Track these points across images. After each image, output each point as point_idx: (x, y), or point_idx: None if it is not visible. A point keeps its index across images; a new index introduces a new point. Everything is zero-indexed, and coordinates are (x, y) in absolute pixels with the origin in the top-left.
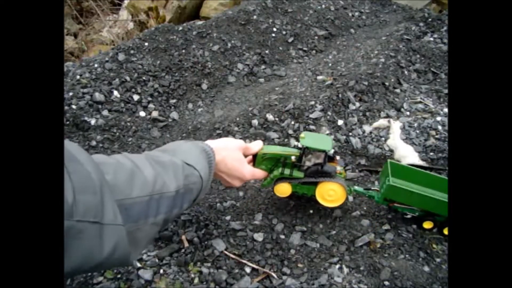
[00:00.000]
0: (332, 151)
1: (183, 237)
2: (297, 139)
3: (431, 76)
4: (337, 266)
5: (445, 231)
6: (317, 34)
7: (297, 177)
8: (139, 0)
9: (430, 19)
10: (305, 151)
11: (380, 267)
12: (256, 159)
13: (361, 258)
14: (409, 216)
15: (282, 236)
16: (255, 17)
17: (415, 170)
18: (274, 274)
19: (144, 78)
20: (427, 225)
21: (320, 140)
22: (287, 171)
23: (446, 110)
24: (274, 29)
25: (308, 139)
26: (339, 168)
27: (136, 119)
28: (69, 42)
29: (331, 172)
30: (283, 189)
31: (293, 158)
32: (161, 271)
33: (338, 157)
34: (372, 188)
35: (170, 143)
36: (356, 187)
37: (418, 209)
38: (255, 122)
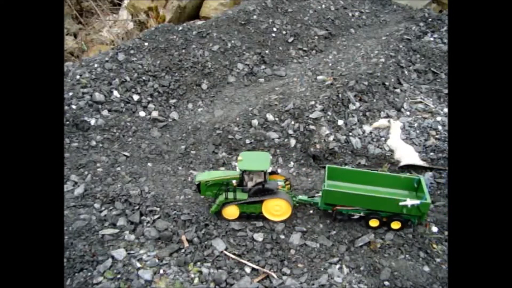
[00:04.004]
0: (270, 169)
1: (183, 237)
2: (297, 139)
3: (431, 76)
4: (337, 266)
5: (393, 226)
6: (317, 34)
7: (241, 199)
8: (139, 0)
9: (430, 19)
10: (245, 173)
11: (380, 267)
12: (200, 188)
13: (361, 258)
14: (356, 217)
15: (282, 236)
16: (255, 17)
17: (354, 170)
18: (274, 274)
19: (144, 78)
20: (373, 223)
21: (258, 159)
22: (231, 195)
23: (446, 110)
24: (274, 29)
25: (246, 161)
26: (280, 183)
27: (136, 119)
28: (69, 42)
29: (273, 188)
30: (231, 212)
31: (234, 182)
32: (161, 271)
33: (279, 170)
34: (316, 195)
35: None
36: (300, 197)
37: (362, 209)
38: (255, 122)
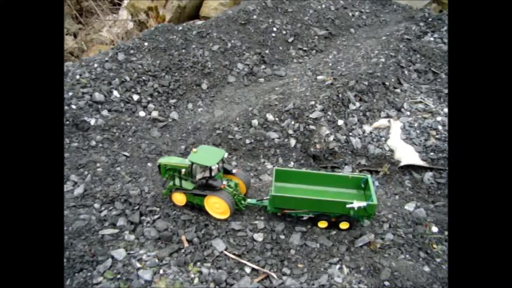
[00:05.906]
0: (215, 167)
1: (183, 237)
2: (297, 139)
3: (432, 76)
4: (337, 266)
5: (342, 226)
6: (317, 34)
7: (186, 188)
8: (139, 0)
9: (430, 19)
10: (193, 165)
11: (380, 267)
12: (160, 169)
13: (361, 258)
14: (305, 218)
15: (282, 236)
16: (255, 16)
17: (302, 172)
18: (274, 274)
19: (144, 78)
20: (322, 224)
21: (210, 155)
22: (179, 182)
23: (446, 110)
24: (274, 29)
25: (198, 154)
26: (224, 182)
27: (136, 119)
28: (69, 42)
29: (216, 186)
30: (178, 199)
31: (183, 171)
32: (161, 271)
33: (234, 171)
34: (265, 198)
35: None
36: (249, 200)
37: (311, 210)
38: (255, 122)
